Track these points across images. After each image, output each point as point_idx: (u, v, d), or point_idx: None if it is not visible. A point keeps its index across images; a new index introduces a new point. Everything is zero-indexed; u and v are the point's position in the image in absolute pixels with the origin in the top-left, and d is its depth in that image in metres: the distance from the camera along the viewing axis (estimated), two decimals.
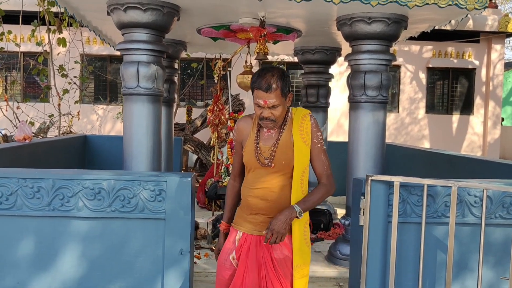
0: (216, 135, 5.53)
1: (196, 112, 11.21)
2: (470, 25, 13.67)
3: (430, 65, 14.00)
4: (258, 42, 4.46)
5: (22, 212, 2.91)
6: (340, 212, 6.89)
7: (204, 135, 11.09)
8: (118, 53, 10.36)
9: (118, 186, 2.91)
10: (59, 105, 8.66)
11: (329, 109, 7.06)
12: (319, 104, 6.51)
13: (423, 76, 14.16)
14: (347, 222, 4.50)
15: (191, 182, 2.92)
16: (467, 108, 14.39)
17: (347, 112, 14.10)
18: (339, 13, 4.40)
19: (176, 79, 6.44)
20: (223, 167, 5.37)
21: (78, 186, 2.90)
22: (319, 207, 6.28)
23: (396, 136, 14.06)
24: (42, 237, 2.94)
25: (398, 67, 13.90)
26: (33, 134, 8.18)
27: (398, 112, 14.02)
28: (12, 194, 2.89)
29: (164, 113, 5.48)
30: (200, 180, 7.55)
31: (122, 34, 4.27)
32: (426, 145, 14.18)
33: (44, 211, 2.91)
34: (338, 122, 13.47)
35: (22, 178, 2.89)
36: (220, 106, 5.54)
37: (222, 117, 5.58)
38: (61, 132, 9.11)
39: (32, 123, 8.54)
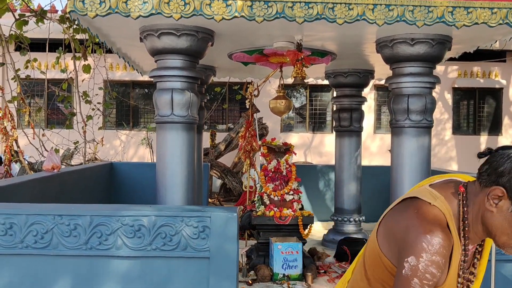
0: (249, 162, 5.35)
1: (220, 137, 11.08)
2: (495, 44, 13.40)
3: (456, 85, 13.72)
4: (295, 66, 4.29)
5: (58, 252, 2.73)
6: None
7: (227, 160, 10.93)
8: (141, 78, 10.26)
9: (159, 222, 2.72)
10: (84, 132, 8.57)
11: None
12: (352, 128, 6.30)
13: (448, 96, 13.87)
14: None
15: (237, 218, 2.73)
16: (495, 128, 14.02)
17: (372, 134, 13.78)
18: (380, 35, 4.22)
19: (203, 105, 6.31)
20: (256, 195, 5.17)
21: (117, 223, 2.72)
22: (356, 236, 6.02)
23: None
24: (79, 278, 2.76)
25: None
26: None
27: None
28: (47, 232, 2.72)
29: None
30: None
31: (156, 61, 4.15)
32: (454, 167, 13.82)
33: (81, 250, 2.73)
34: (364, 144, 13.19)
35: (58, 215, 2.72)
36: (252, 132, 5.36)
37: (254, 144, 5.40)
38: (86, 159, 9.01)
39: (57, 151, 8.45)
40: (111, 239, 2.73)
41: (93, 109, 9.21)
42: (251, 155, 5.48)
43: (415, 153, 4.20)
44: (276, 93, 5.23)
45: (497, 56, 13.52)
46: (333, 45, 4.74)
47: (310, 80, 12.12)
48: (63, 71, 9.06)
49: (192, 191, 4.15)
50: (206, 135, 11.02)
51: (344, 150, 6.34)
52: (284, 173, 5.14)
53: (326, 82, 12.71)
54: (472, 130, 14.06)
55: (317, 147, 13.27)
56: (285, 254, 4.74)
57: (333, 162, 11.41)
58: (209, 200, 9.52)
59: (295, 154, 5.28)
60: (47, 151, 6.54)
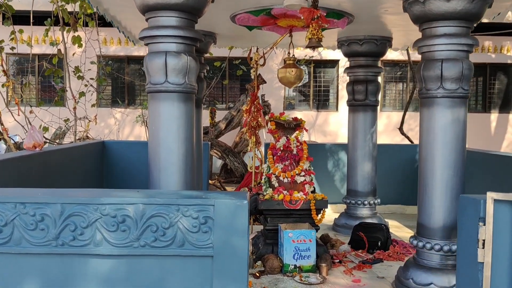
0: (254, 139, 4.77)
1: (220, 115, 10.49)
2: (508, 17, 12.71)
3: None
4: (311, 26, 3.68)
5: (21, 249, 2.17)
6: (392, 224, 6.11)
7: (228, 139, 10.36)
8: (136, 53, 9.50)
9: (148, 212, 2.15)
10: (74, 108, 7.99)
11: None
12: (368, 102, 5.72)
13: None
14: (420, 244, 3.69)
15: (247, 206, 2.16)
16: (506, 106, 13.48)
17: (379, 112, 13.30)
18: None
19: (203, 76, 5.69)
20: (263, 176, 4.60)
21: (95, 212, 2.15)
22: (374, 221, 5.48)
23: None
24: (49, 282, 2.20)
25: None
26: (46, 141, 7.51)
27: None
28: (7, 225, 2.15)
29: None
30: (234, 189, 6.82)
31: (147, 20, 3.54)
32: None
33: (50, 247, 2.17)
34: None
35: (20, 203, 2.15)
36: (258, 106, 4.77)
37: (260, 119, 4.81)
38: (77, 137, 8.43)
39: (46, 129, 7.88)
40: (88, 233, 2.16)
41: (85, 85, 8.61)
42: (256, 132, 4.90)
43: (449, 127, 3.62)
44: (285, 61, 4.63)
45: (509, 29, 12.85)
46: (351, 3, 4.12)
47: (315, 54, 11.52)
48: (53, 44, 8.45)
49: (190, 172, 3.58)
50: (205, 113, 10.43)
51: (358, 126, 5.77)
52: (295, 152, 4.57)
53: (330, 57, 12.15)
54: (481, 107, 13.51)
55: (321, 126, 12.70)
56: (296, 243, 4.20)
57: (338, 141, 10.87)
58: (209, 181, 8.97)
59: (307, 130, 4.70)
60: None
